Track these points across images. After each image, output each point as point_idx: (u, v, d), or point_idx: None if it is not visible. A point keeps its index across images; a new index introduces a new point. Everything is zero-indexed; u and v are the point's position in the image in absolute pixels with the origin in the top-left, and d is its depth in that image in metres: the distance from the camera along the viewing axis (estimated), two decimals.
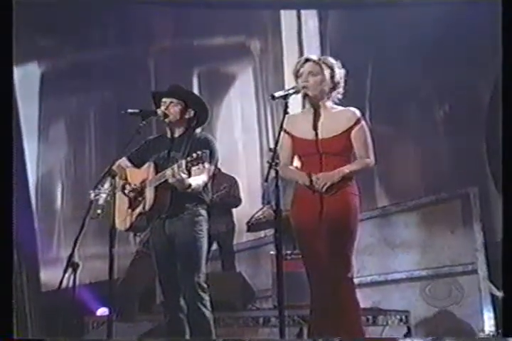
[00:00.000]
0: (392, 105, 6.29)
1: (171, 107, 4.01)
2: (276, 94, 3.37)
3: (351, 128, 3.50)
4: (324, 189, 3.42)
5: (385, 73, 6.06)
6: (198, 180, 3.81)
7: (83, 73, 8.91)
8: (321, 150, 3.50)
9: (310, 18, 7.69)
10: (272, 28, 8.06)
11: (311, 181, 3.45)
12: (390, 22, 6.47)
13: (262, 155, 7.96)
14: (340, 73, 3.56)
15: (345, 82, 3.59)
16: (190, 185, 3.77)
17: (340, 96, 3.60)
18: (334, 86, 3.54)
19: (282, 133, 3.50)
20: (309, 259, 3.50)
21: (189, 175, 3.72)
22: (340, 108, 3.59)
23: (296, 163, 3.67)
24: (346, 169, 3.46)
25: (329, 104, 3.58)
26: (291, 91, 3.39)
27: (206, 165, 3.66)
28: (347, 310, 3.40)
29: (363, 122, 3.54)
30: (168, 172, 3.70)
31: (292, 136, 3.58)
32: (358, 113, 3.55)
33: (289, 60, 7.86)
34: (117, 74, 8.24)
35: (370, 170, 3.61)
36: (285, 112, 3.34)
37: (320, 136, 3.52)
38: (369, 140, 3.55)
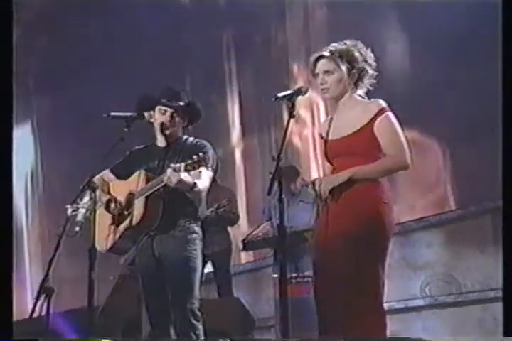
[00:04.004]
0: (413, 105, 6.32)
1: (174, 118, 4.08)
2: (280, 95, 3.39)
3: (373, 120, 3.43)
4: (325, 195, 3.41)
5: (402, 70, 6.11)
6: (202, 181, 3.81)
7: (57, 70, 8.94)
8: (328, 153, 3.55)
9: (318, 8, 7.73)
10: (275, 19, 8.09)
11: (314, 188, 3.46)
12: (408, 14, 6.54)
13: (264, 164, 7.97)
14: (364, 57, 3.52)
15: (376, 61, 3.56)
16: (195, 184, 3.76)
17: (372, 81, 3.56)
18: (359, 77, 3.53)
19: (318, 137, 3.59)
20: (323, 284, 3.44)
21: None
22: (364, 101, 3.56)
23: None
24: (354, 170, 3.39)
25: (355, 96, 3.56)
26: (297, 92, 3.40)
27: (206, 169, 3.68)
28: None
29: (388, 113, 3.45)
30: (166, 177, 3.71)
31: (323, 141, 3.63)
32: (382, 103, 3.48)
33: (294, 55, 7.90)
34: (98, 73, 8.28)
35: (402, 170, 3.47)
36: (290, 115, 3.36)
37: (330, 137, 3.57)
38: (399, 134, 3.44)
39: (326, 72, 3.52)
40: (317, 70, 3.55)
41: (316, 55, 3.57)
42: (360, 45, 3.56)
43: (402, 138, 3.45)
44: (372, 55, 3.57)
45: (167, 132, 4.08)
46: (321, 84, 3.54)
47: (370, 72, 3.55)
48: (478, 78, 5.99)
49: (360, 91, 3.57)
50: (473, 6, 5.93)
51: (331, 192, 3.41)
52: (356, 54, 3.53)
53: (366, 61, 3.54)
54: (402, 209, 6.77)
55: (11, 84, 4.24)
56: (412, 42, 6.50)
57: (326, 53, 3.54)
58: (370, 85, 3.58)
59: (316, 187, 3.45)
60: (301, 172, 6.49)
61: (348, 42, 3.56)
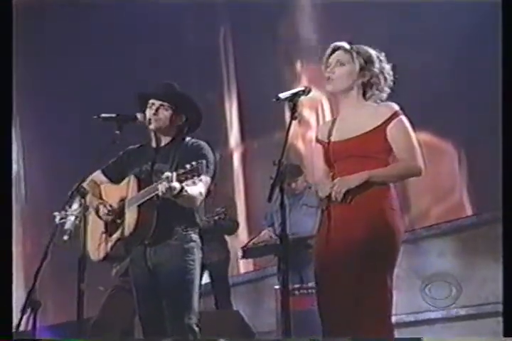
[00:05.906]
0: (424, 107, 6.34)
1: (160, 111, 4.04)
2: (282, 96, 3.40)
3: (385, 123, 3.47)
4: (340, 197, 3.42)
5: (409, 70, 6.13)
6: (194, 189, 3.76)
7: (41, 69, 8.92)
8: (330, 156, 3.57)
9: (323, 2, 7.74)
10: (277, 11, 8.07)
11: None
12: (408, 14, 6.60)
13: (264, 168, 7.94)
14: (381, 67, 3.56)
15: (394, 81, 3.58)
16: (182, 188, 3.66)
17: (383, 95, 3.58)
18: (369, 81, 3.55)
19: (314, 142, 3.63)
20: (325, 295, 3.44)
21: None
22: (374, 104, 3.58)
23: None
24: (371, 172, 3.43)
25: (366, 102, 3.58)
26: (299, 92, 3.42)
27: (202, 177, 3.65)
28: None
29: (401, 117, 3.50)
30: (160, 186, 3.67)
31: (323, 144, 3.64)
32: (395, 106, 3.52)
33: (298, 52, 7.90)
34: (87, 72, 8.27)
35: (415, 176, 3.52)
36: (292, 116, 3.37)
37: (333, 139, 3.58)
38: (412, 139, 3.48)
39: (339, 62, 3.56)
40: (330, 60, 3.59)
41: (337, 44, 3.61)
42: (383, 56, 3.59)
43: (416, 143, 3.50)
44: (389, 69, 3.58)
45: (151, 126, 4.02)
46: (328, 72, 3.57)
47: (382, 84, 3.57)
48: (479, 78, 6.04)
49: (369, 101, 3.59)
50: (473, 5, 6.01)
51: (345, 194, 3.43)
52: (374, 58, 3.57)
53: (382, 72, 3.57)
54: (415, 217, 6.78)
55: (10, 85, 4.26)
56: (414, 43, 6.55)
57: (346, 45, 3.59)
58: (380, 99, 3.59)
59: (335, 188, 3.45)
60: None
61: (365, 47, 3.61)
